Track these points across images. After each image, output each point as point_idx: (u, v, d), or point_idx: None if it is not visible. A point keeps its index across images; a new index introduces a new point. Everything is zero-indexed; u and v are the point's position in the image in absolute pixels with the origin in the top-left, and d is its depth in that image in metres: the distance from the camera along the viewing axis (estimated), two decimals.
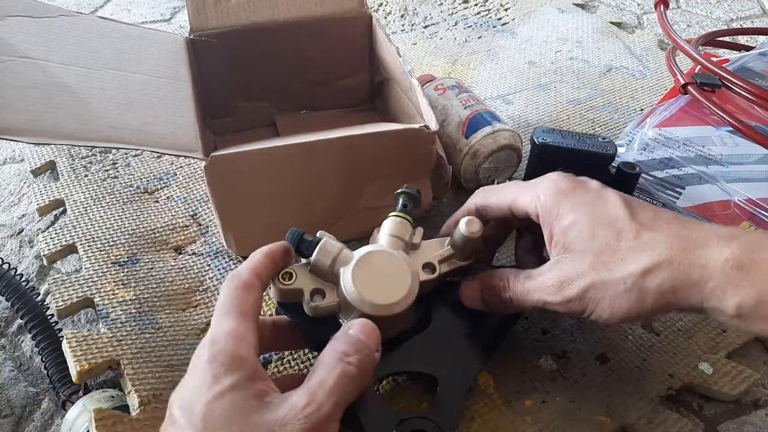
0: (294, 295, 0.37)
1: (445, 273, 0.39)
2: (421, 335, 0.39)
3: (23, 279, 0.47)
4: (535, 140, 0.49)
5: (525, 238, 0.43)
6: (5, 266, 0.47)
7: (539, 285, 0.36)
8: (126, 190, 0.57)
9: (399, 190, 0.41)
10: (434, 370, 0.39)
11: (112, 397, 0.41)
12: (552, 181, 0.37)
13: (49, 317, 0.46)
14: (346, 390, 0.30)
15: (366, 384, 0.32)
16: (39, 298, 0.47)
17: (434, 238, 0.41)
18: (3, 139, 0.39)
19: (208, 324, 0.45)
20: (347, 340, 0.32)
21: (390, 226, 0.39)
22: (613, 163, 0.48)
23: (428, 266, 0.39)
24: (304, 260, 0.38)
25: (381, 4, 0.94)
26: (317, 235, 0.37)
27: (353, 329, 0.32)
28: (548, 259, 0.37)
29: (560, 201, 0.36)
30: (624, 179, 0.48)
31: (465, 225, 0.38)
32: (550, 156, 0.48)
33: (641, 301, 0.32)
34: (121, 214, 0.54)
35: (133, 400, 0.39)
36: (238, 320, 0.31)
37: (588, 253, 0.34)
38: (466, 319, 0.41)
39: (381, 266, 0.36)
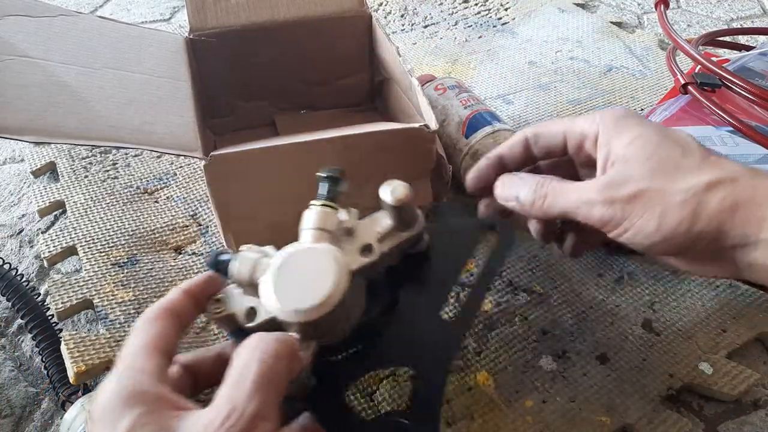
0: (231, 322, 0.34)
1: (388, 250, 0.35)
2: (387, 323, 0.36)
3: (24, 279, 0.47)
4: None
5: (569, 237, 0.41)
6: (5, 266, 0.47)
7: (582, 186, 0.33)
8: (126, 190, 0.57)
9: (320, 173, 0.36)
10: (406, 359, 0.35)
11: None
12: (614, 108, 0.36)
13: (49, 317, 0.46)
14: (271, 382, 0.26)
15: (296, 369, 0.28)
16: (39, 298, 0.47)
17: (374, 213, 0.36)
18: (2, 138, 0.39)
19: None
20: (257, 335, 0.28)
21: (311, 219, 0.34)
22: None
23: (366, 248, 0.34)
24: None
25: (381, 4, 0.94)
26: (242, 248, 0.34)
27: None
28: None
29: (625, 120, 0.34)
30: None
31: (389, 193, 0.34)
32: None
33: (694, 218, 0.30)
34: (121, 215, 0.54)
35: None
36: (132, 357, 0.27)
37: (649, 162, 0.32)
38: (436, 293, 0.37)
39: (302, 267, 0.32)
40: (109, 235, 0.52)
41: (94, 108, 0.44)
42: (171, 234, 0.53)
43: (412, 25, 0.88)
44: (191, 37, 0.56)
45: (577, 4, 0.93)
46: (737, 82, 0.53)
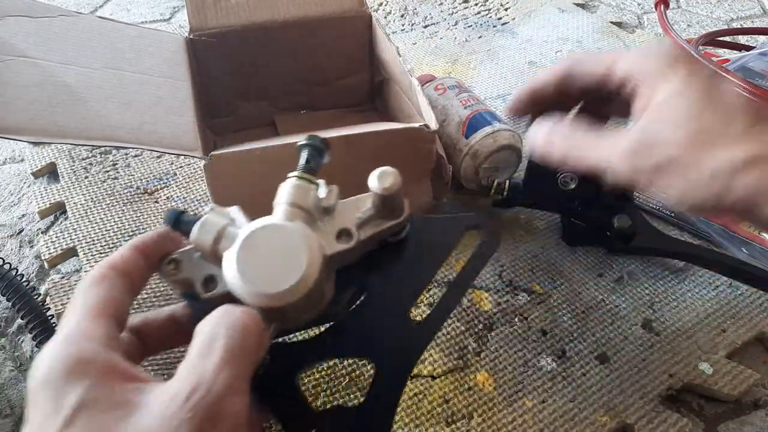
0: (186, 285, 0.31)
1: (368, 238, 0.32)
2: (352, 313, 0.33)
3: (23, 279, 0.47)
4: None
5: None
6: (6, 266, 0.47)
7: (610, 141, 0.31)
8: (126, 191, 0.57)
9: (302, 141, 0.33)
10: (368, 353, 0.33)
11: None
12: (668, 46, 0.32)
13: (49, 317, 0.46)
14: (241, 356, 0.23)
15: (267, 340, 0.26)
16: (39, 298, 0.47)
17: (357, 195, 0.33)
18: (2, 138, 0.39)
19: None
20: (223, 307, 0.26)
21: (285, 193, 0.31)
22: None
23: (344, 233, 0.31)
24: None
25: (381, 4, 0.94)
26: (206, 209, 0.31)
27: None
28: None
29: (673, 66, 0.31)
30: None
31: (377, 180, 0.31)
32: (546, 170, 0.46)
33: (722, 196, 0.28)
34: (121, 215, 0.54)
35: None
36: (77, 322, 0.24)
37: (685, 127, 0.29)
38: (407, 291, 0.34)
39: (270, 246, 0.28)
40: (109, 236, 0.52)
41: (94, 108, 0.44)
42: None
43: (412, 25, 0.88)
44: (191, 37, 0.56)
45: (577, 4, 0.93)
46: (737, 82, 0.53)
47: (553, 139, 0.34)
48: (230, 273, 0.28)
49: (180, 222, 0.30)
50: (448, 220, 0.36)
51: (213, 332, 0.23)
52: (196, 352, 0.23)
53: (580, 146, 0.33)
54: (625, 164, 0.30)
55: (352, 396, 0.40)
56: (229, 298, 0.29)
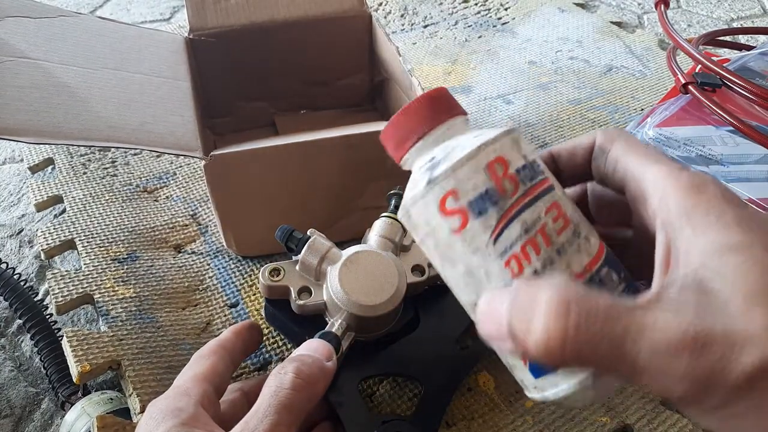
0: (281, 292, 0.37)
1: (434, 276, 0.38)
2: (407, 338, 0.39)
3: (21, 279, 0.47)
4: None
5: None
6: (3, 266, 0.47)
7: (654, 324, 0.18)
8: (125, 188, 0.57)
9: (392, 191, 0.41)
10: (419, 373, 0.38)
11: (111, 399, 0.41)
12: (687, 168, 0.22)
13: (47, 317, 0.46)
14: (288, 406, 0.29)
15: (318, 394, 0.31)
16: (38, 298, 0.47)
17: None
18: (2, 139, 0.39)
19: (207, 323, 0.45)
20: (290, 357, 0.32)
21: (380, 227, 0.39)
22: None
23: (417, 268, 0.39)
24: (294, 257, 0.38)
25: (381, 4, 0.94)
26: (308, 233, 0.38)
27: (298, 349, 0.33)
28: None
29: (707, 201, 0.20)
30: None
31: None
32: None
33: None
34: (120, 211, 0.54)
35: (134, 404, 0.39)
36: (183, 383, 0.32)
37: (760, 314, 0.17)
38: (455, 324, 0.40)
39: (368, 266, 0.36)
40: (108, 231, 0.51)
41: (94, 108, 0.44)
42: (171, 232, 0.52)
43: (412, 25, 0.88)
44: (191, 37, 0.56)
45: (577, 4, 0.93)
46: (738, 81, 0.52)
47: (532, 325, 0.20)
48: (336, 285, 0.35)
49: (290, 237, 0.38)
50: None
51: (268, 391, 0.29)
52: (252, 409, 0.29)
53: (583, 325, 0.19)
54: (678, 378, 0.18)
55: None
56: (320, 309, 0.37)
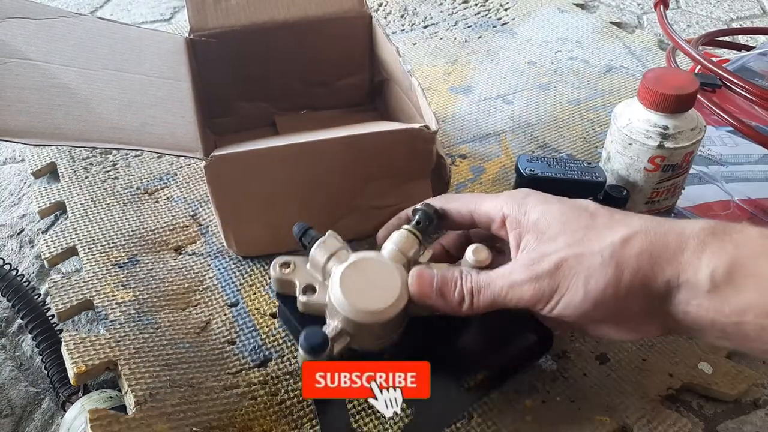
0: (288, 286, 0.37)
1: None
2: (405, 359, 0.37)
3: (24, 279, 0.47)
4: (522, 172, 0.47)
5: None
6: (6, 266, 0.47)
7: (504, 271, 0.34)
8: (126, 191, 0.57)
9: (417, 206, 0.40)
10: (414, 400, 0.36)
11: (111, 397, 0.41)
12: (517, 190, 0.37)
13: (49, 317, 0.46)
14: None
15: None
16: (39, 298, 0.47)
17: (449, 264, 0.38)
18: (3, 140, 0.39)
19: (207, 322, 0.45)
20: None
21: (397, 239, 0.38)
22: None
23: None
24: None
25: (381, 4, 0.94)
26: (327, 233, 0.38)
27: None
28: None
29: (527, 200, 0.36)
30: (612, 204, 0.46)
31: (472, 253, 0.36)
32: (539, 186, 0.46)
33: (618, 276, 0.31)
34: (121, 215, 0.54)
35: (129, 400, 0.39)
36: None
37: (562, 233, 0.33)
38: (465, 364, 0.39)
39: (372, 273, 0.35)
40: (109, 236, 0.52)
41: (95, 110, 0.44)
42: (171, 234, 0.53)
43: (412, 25, 0.89)
44: (191, 37, 0.56)
45: (577, 5, 0.93)
46: (737, 82, 0.53)
47: (445, 292, 0.35)
48: (336, 286, 0.34)
49: (305, 234, 0.38)
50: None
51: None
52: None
53: (475, 289, 0.34)
54: (526, 282, 0.33)
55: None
56: (321, 310, 0.36)
